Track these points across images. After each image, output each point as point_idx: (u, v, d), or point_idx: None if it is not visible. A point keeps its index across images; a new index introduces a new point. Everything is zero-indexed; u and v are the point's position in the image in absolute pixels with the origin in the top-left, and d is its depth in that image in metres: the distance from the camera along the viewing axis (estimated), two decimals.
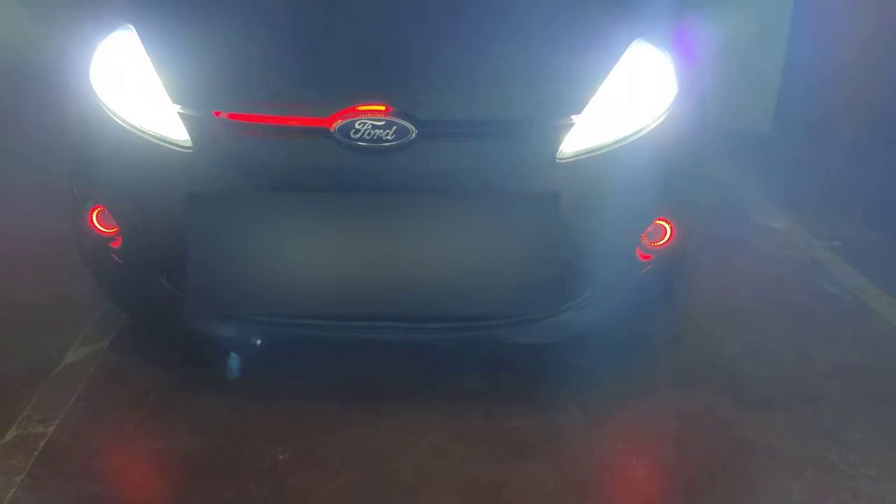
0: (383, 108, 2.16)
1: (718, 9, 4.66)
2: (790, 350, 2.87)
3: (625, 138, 2.31)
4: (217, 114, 2.21)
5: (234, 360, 2.65)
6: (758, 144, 5.16)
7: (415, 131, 2.16)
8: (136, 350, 2.75)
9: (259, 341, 2.53)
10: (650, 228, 2.39)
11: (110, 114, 2.34)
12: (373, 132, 2.16)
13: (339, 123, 2.15)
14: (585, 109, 2.26)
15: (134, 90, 2.32)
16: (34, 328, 2.84)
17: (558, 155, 2.23)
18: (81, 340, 2.78)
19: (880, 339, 2.98)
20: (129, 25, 2.42)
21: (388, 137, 2.16)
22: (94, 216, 2.42)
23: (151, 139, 2.27)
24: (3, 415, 2.38)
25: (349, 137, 2.16)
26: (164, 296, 2.40)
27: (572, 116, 2.24)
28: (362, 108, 2.16)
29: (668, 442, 2.41)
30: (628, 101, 2.33)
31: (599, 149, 2.27)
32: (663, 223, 2.41)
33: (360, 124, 2.15)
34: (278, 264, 2.21)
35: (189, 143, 2.23)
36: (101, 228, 2.42)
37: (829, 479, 2.25)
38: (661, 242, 2.43)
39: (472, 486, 2.19)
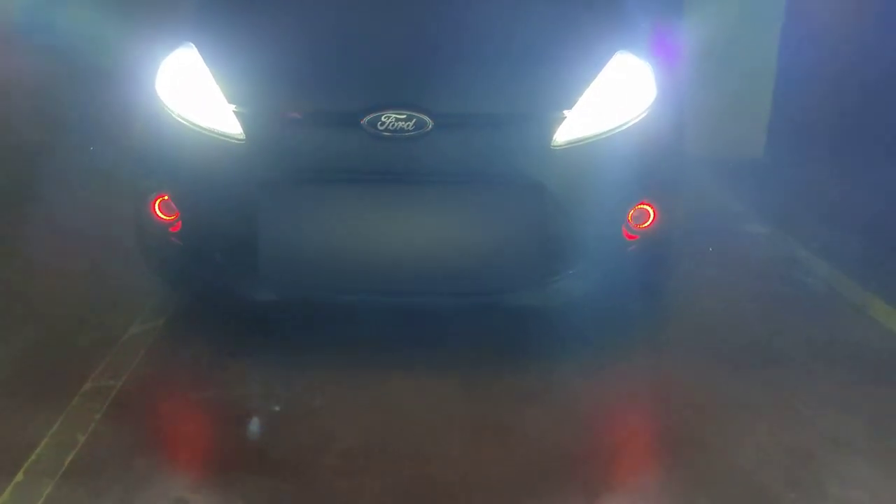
0: (405, 105, 2.59)
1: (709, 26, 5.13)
2: (764, 326, 3.23)
3: (609, 131, 2.72)
4: (266, 111, 2.65)
5: (275, 327, 3.04)
6: (751, 170, 5.54)
7: (431, 123, 2.59)
8: (189, 326, 3.15)
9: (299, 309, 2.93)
10: (635, 211, 2.78)
11: (174, 115, 2.78)
12: (395, 124, 2.58)
13: (368, 117, 2.58)
14: (575, 106, 2.68)
15: (195, 95, 2.76)
16: (100, 310, 3.24)
17: (552, 143, 2.65)
18: (141, 319, 3.18)
19: (847, 319, 3.34)
20: (191, 43, 2.87)
21: (409, 128, 2.59)
22: (157, 205, 2.84)
23: (210, 134, 2.70)
24: (80, 372, 2.77)
25: (376, 128, 2.58)
26: (217, 271, 2.81)
27: (564, 111, 2.66)
28: (387, 105, 2.59)
29: (652, 393, 2.78)
30: (612, 100, 2.75)
31: (587, 139, 2.69)
32: (646, 207, 2.80)
33: (385, 117, 2.58)
34: (322, 238, 2.61)
35: (242, 136, 2.66)
36: (163, 216, 2.84)
37: (792, 420, 2.60)
38: (646, 225, 2.82)
39: (480, 425, 2.56)
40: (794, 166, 5.39)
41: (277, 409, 2.62)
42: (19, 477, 2.24)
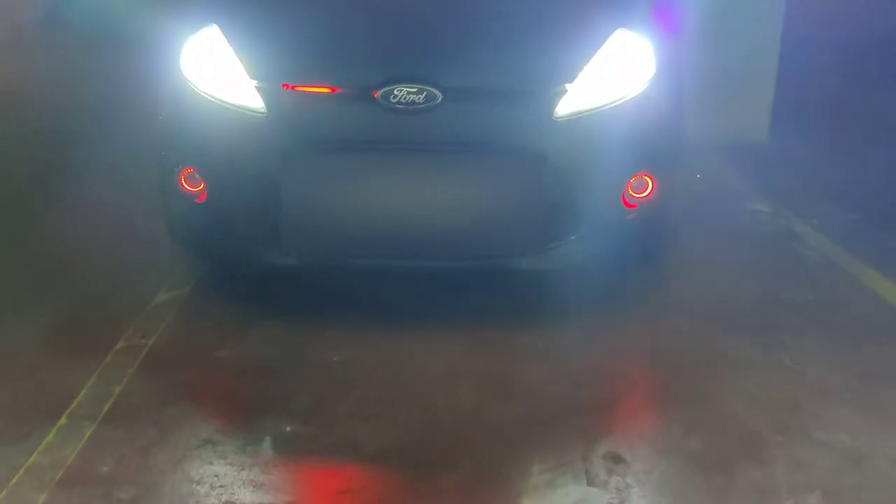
0: (416, 79, 2.75)
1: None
2: (761, 293, 3.38)
3: (609, 104, 2.88)
4: (285, 86, 2.83)
5: (294, 292, 3.22)
6: (755, 153, 5.66)
7: (441, 96, 2.75)
8: (213, 293, 3.33)
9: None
10: (634, 181, 2.94)
11: (199, 92, 2.96)
12: (407, 97, 2.75)
13: (381, 91, 2.75)
14: (576, 80, 2.84)
15: (219, 72, 2.93)
16: (129, 280, 3.41)
17: (555, 115, 2.81)
18: (167, 287, 3.35)
19: (841, 287, 3.48)
20: (213, 24, 3.04)
21: (420, 101, 2.75)
22: (184, 177, 3.02)
23: (233, 109, 2.88)
24: (113, 333, 2.94)
25: (389, 101, 2.75)
26: (240, 238, 2.98)
27: (566, 84, 2.82)
28: (399, 79, 2.76)
29: (649, 350, 2.94)
30: (612, 74, 2.91)
31: (588, 111, 2.85)
32: (645, 177, 2.96)
33: (398, 91, 2.75)
34: (339, 205, 2.78)
35: (264, 110, 2.83)
36: (189, 188, 3.02)
37: (782, 375, 2.76)
38: (644, 195, 2.97)
39: (486, 379, 2.72)
40: (798, 149, 5.50)
41: (297, 364, 2.80)
42: (62, 420, 2.43)
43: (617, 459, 2.30)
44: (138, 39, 4.84)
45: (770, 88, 5.99)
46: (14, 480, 2.17)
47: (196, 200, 3.02)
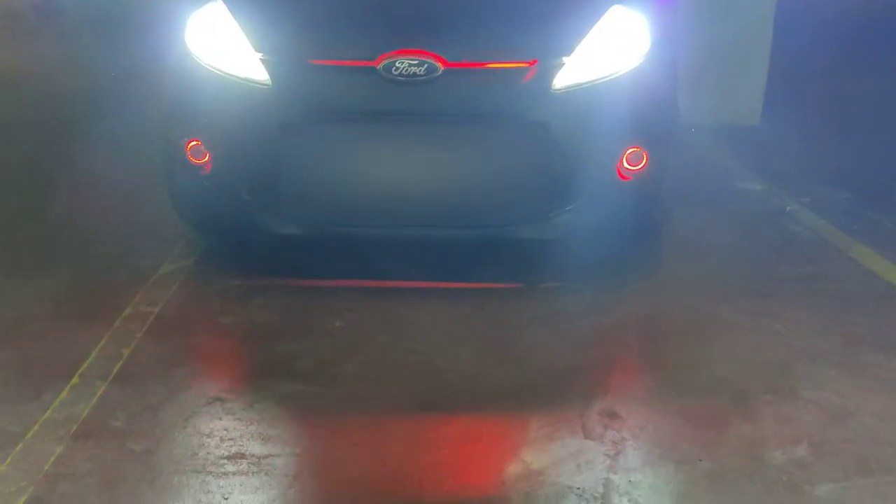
0: (417, 51, 2.83)
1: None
2: (753, 266, 3.47)
3: (605, 77, 2.96)
4: (290, 58, 2.90)
5: (297, 263, 3.29)
6: (747, 135, 5.75)
7: (441, 68, 2.82)
8: (217, 264, 3.40)
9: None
10: (629, 152, 3.02)
11: (205, 65, 3.02)
12: (409, 69, 2.82)
13: (383, 63, 2.82)
14: (573, 53, 2.91)
15: (224, 45, 2.99)
16: (134, 252, 3.48)
17: (552, 87, 2.88)
18: (171, 259, 3.42)
19: (831, 260, 3.58)
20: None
21: (420, 73, 2.83)
22: (189, 150, 3.08)
23: (238, 81, 2.94)
24: (120, 301, 3.02)
25: (391, 73, 2.82)
26: (244, 208, 3.05)
27: (563, 58, 2.90)
28: (401, 52, 2.83)
29: (645, 317, 3.02)
30: (608, 49, 2.98)
31: (584, 84, 2.92)
32: (639, 150, 3.03)
33: (399, 63, 2.82)
34: (342, 175, 2.86)
35: (268, 82, 2.90)
36: (194, 159, 3.08)
37: (772, 340, 2.84)
38: (639, 166, 3.05)
39: (486, 344, 2.80)
40: (790, 131, 5.58)
41: (301, 330, 2.87)
42: (74, 380, 2.51)
43: (612, 416, 2.39)
44: (134, 22, 4.90)
45: (763, 72, 6.08)
46: (31, 433, 2.24)
47: (201, 172, 3.08)
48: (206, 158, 3.05)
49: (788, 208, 4.16)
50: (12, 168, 4.56)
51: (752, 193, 4.51)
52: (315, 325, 2.90)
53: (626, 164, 3.02)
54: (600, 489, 2.09)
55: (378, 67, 2.83)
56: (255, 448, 2.21)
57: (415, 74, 2.83)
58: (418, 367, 2.65)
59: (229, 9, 3.05)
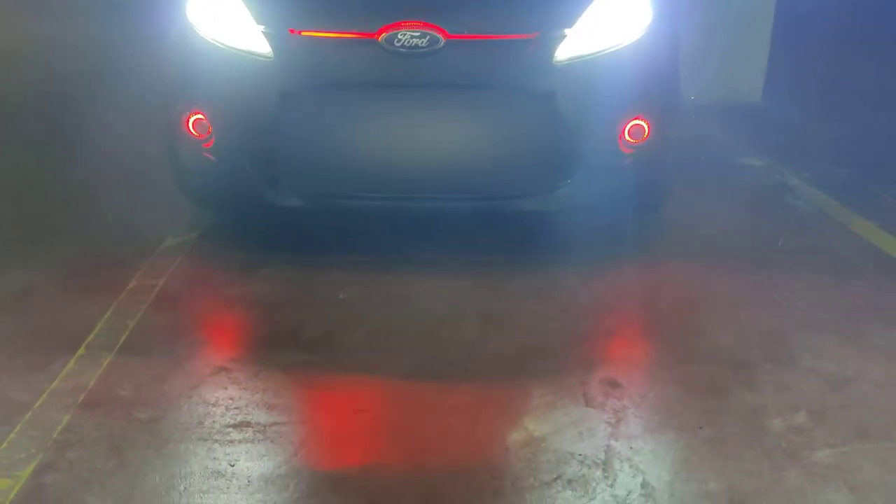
0: (419, 22, 2.83)
1: None
2: (754, 239, 3.49)
3: (607, 49, 2.96)
4: (291, 30, 2.90)
5: (301, 236, 3.31)
6: (749, 112, 5.76)
7: (443, 40, 2.83)
8: (220, 239, 3.42)
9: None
10: (631, 126, 3.02)
11: (206, 38, 3.02)
12: (410, 41, 2.82)
13: (384, 35, 2.83)
14: (575, 25, 2.91)
15: (226, 18, 2.99)
16: (137, 227, 3.49)
17: (554, 59, 2.89)
18: (174, 234, 3.44)
19: (831, 233, 3.60)
20: None
21: (422, 45, 2.83)
22: (191, 123, 3.09)
23: (241, 54, 2.95)
24: (125, 274, 3.04)
25: (392, 45, 2.83)
26: (247, 181, 3.06)
27: (565, 30, 2.90)
28: (403, 24, 2.84)
29: (646, 291, 3.04)
30: (610, 21, 2.98)
31: (586, 56, 2.93)
32: (641, 123, 3.04)
33: (401, 35, 2.82)
34: (344, 146, 2.87)
35: (271, 55, 2.91)
36: (196, 133, 3.09)
37: (772, 310, 2.87)
38: (641, 140, 3.06)
39: (488, 315, 2.83)
40: (790, 109, 5.58)
41: (305, 301, 2.89)
42: (81, 351, 2.53)
43: (613, 384, 2.41)
44: None
45: (764, 49, 6.08)
46: (39, 402, 2.27)
47: (203, 145, 3.09)
48: (209, 132, 3.06)
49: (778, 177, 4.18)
50: (18, 142, 4.57)
51: (753, 169, 4.52)
52: (319, 296, 2.93)
53: (627, 137, 3.03)
54: (602, 455, 2.11)
55: (379, 39, 2.84)
56: (261, 417, 2.24)
57: (417, 46, 2.83)
58: (421, 337, 2.67)
59: None
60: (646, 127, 3.04)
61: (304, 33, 2.91)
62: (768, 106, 5.92)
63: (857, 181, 4.24)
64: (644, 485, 2.01)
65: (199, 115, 3.06)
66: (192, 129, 3.09)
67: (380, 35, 2.83)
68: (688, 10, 5.30)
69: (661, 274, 3.15)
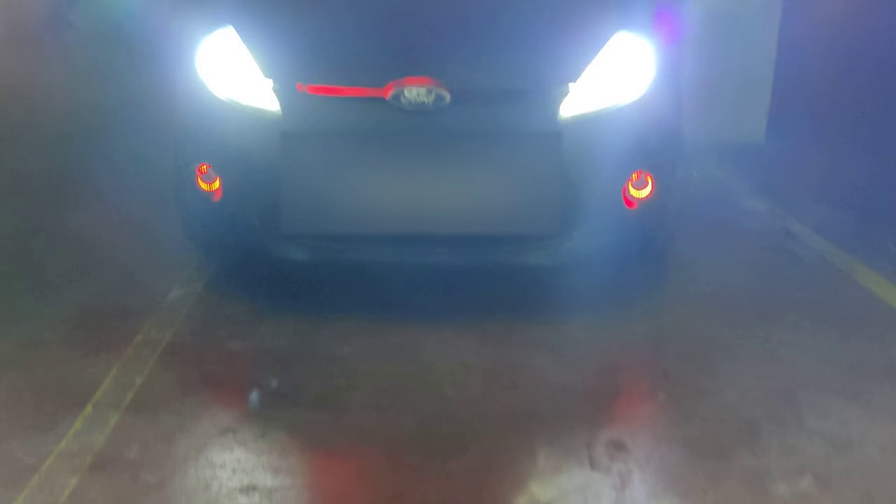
0: (425, 79, 2.87)
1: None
2: (758, 288, 3.51)
3: (611, 106, 3.00)
4: (300, 86, 2.94)
5: (306, 287, 3.33)
6: (752, 153, 5.78)
7: (449, 97, 2.87)
8: (226, 288, 3.43)
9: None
10: (634, 180, 3.05)
11: (215, 93, 3.06)
12: (417, 98, 2.86)
13: (392, 92, 2.87)
14: (578, 82, 2.96)
15: (234, 72, 3.04)
16: (144, 277, 3.51)
17: (558, 115, 2.92)
18: (181, 284, 3.45)
19: (834, 283, 3.62)
20: (229, 25, 3.15)
21: (429, 102, 2.87)
22: (200, 176, 3.13)
23: (249, 108, 2.99)
24: (131, 327, 3.06)
25: (400, 102, 2.86)
26: (254, 233, 3.09)
27: (569, 85, 2.94)
28: (409, 80, 2.87)
29: (650, 342, 3.06)
30: (613, 77, 3.03)
31: (590, 113, 2.96)
32: (645, 177, 3.07)
33: (408, 92, 2.86)
34: (349, 198, 2.90)
35: (279, 109, 2.94)
36: (205, 185, 3.13)
37: (776, 367, 2.88)
38: (644, 194, 3.09)
39: (493, 371, 2.83)
40: (794, 150, 5.62)
41: (310, 356, 2.90)
42: (88, 410, 2.54)
43: (619, 446, 2.42)
44: (147, 41, 4.93)
45: (767, 91, 6.12)
46: (46, 465, 2.27)
47: (211, 198, 3.12)
48: (217, 184, 3.10)
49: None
50: (23, 183, 4.61)
51: (756, 214, 4.54)
52: (324, 350, 2.94)
53: (631, 192, 3.06)
54: None
55: (387, 97, 2.87)
56: (267, 480, 2.24)
57: (423, 104, 2.87)
58: (427, 394, 2.68)
59: (239, 35, 3.10)
60: (649, 182, 3.08)
61: (311, 89, 2.95)
62: (772, 147, 5.95)
63: (859, 227, 4.24)
64: None
65: (208, 168, 3.10)
66: (200, 182, 3.13)
67: (387, 92, 2.87)
68: (691, 54, 5.41)
69: (665, 326, 3.16)
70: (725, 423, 2.54)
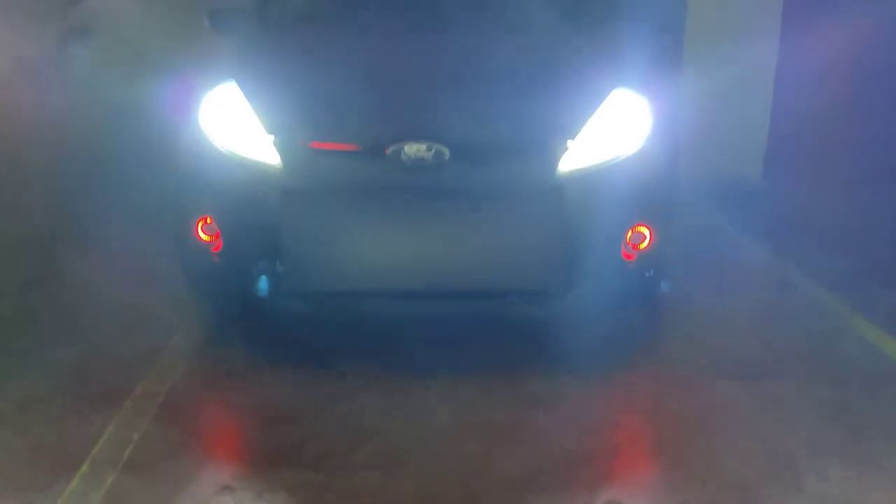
0: (424, 140, 2.89)
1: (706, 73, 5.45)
2: (756, 342, 3.50)
3: (608, 161, 3.03)
4: (300, 142, 2.96)
5: (307, 340, 3.33)
6: (749, 195, 5.80)
7: (448, 154, 2.89)
8: (226, 339, 3.44)
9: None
10: (632, 233, 3.07)
11: (217, 146, 3.08)
12: (417, 155, 2.88)
13: (391, 149, 2.89)
14: (577, 139, 2.99)
15: (237, 127, 3.06)
16: (145, 326, 3.51)
17: (557, 171, 2.94)
18: (181, 333, 3.46)
19: (833, 335, 3.60)
20: (232, 80, 3.18)
21: (429, 159, 2.89)
22: (200, 227, 3.13)
23: (250, 162, 3.01)
24: (132, 378, 3.05)
25: (399, 159, 2.89)
26: (254, 283, 3.08)
27: (568, 141, 2.96)
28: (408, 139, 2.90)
29: (647, 400, 3.05)
30: (611, 133, 3.06)
31: (588, 168, 2.99)
32: (643, 231, 3.09)
33: (408, 149, 2.88)
34: (350, 255, 2.91)
35: (280, 164, 2.96)
36: (205, 237, 3.13)
37: (776, 427, 2.87)
38: (643, 246, 3.10)
39: (492, 430, 2.83)
40: (791, 190, 5.64)
41: (309, 413, 2.89)
42: (85, 468, 2.53)
43: None
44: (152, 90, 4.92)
45: (763, 131, 6.18)
46: None
47: (212, 250, 3.13)
48: (217, 236, 3.10)
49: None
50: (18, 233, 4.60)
51: (753, 261, 4.55)
52: (323, 407, 2.93)
53: (629, 245, 3.07)
54: None
55: (387, 154, 2.89)
56: None
57: (423, 160, 2.89)
58: (425, 454, 2.67)
59: (242, 90, 3.13)
60: (647, 235, 3.09)
61: (312, 145, 2.97)
62: (769, 187, 5.98)
63: (855, 275, 4.24)
64: None
65: (208, 220, 3.11)
66: (200, 233, 3.13)
67: (386, 149, 2.89)
68: (688, 96, 5.45)
69: (663, 384, 3.15)
70: (723, 486, 2.53)
